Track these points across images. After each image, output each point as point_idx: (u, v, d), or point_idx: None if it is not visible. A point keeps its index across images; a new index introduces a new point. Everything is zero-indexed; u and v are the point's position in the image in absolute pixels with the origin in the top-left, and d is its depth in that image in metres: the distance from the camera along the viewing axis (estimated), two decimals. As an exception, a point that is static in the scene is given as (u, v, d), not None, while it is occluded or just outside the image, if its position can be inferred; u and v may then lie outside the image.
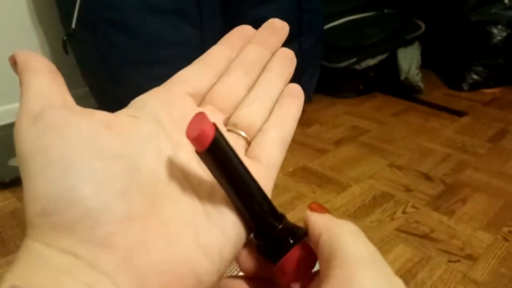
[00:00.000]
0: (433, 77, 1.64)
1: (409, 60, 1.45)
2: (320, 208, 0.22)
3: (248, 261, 0.21)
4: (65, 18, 1.08)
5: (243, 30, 0.27)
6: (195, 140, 0.18)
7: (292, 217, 0.85)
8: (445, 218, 0.87)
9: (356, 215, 0.88)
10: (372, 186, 0.98)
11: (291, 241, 0.20)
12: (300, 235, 0.21)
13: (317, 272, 0.20)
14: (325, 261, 0.18)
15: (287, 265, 0.20)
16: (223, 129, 0.23)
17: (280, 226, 0.20)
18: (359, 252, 0.18)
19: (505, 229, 0.84)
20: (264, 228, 0.20)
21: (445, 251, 0.78)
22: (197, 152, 0.18)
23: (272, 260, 0.20)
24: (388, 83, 1.50)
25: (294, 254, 0.20)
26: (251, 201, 0.20)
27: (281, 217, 0.21)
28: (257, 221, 0.20)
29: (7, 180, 0.94)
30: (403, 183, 1.00)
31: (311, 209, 0.22)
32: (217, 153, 0.18)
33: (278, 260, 0.20)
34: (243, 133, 0.23)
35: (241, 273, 0.22)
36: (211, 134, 0.17)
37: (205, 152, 0.18)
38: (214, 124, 0.18)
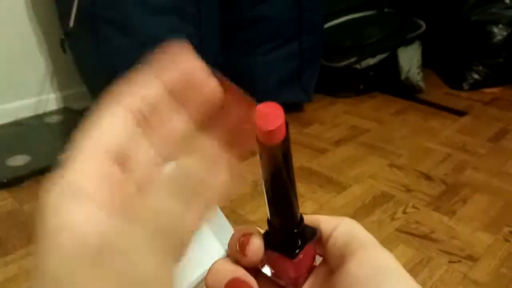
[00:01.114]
0: (434, 77, 1.63)
1: (409, 59, 1.45)
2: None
3: (258, 253, 0.21)
4: (64, 16, 1.08)
5: None
6: (271, 133, 0.17)
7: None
8: (445, 219, 0.87)
9: (356, 215, 0.88)
10: (372, 186, 0.98)
11: (308, 239, 0.21)
12: (313, 232, 0.22)
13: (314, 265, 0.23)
14: (339, 248, 0.21)
15: (303, 260, 0.21)
16: None
17: (302, 225, 0.21)
18: (370, 239, 0.21)
19: (506, 229, 0.83)
20: (290, 225, 0.21)
21: (446, 252, 0.78)
22: (263, 143, 0.17)
23: (291, 255, 0.21)
24: (388, 83, 1.49)
25: (308, 250, 0.21)
26: (289, 200, 0.20)
27: (301, 217, 0.21)
28: (286, 219, 0.21)
29: (5, 180, 0.93)
30: (403, 183, 0.99)
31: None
32: (285, 149, 0.18)
33: (296, 256, 0.21)
34: None
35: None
36: (284, 130, 0.17)
37: (274, 145, 0.17)
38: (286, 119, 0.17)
